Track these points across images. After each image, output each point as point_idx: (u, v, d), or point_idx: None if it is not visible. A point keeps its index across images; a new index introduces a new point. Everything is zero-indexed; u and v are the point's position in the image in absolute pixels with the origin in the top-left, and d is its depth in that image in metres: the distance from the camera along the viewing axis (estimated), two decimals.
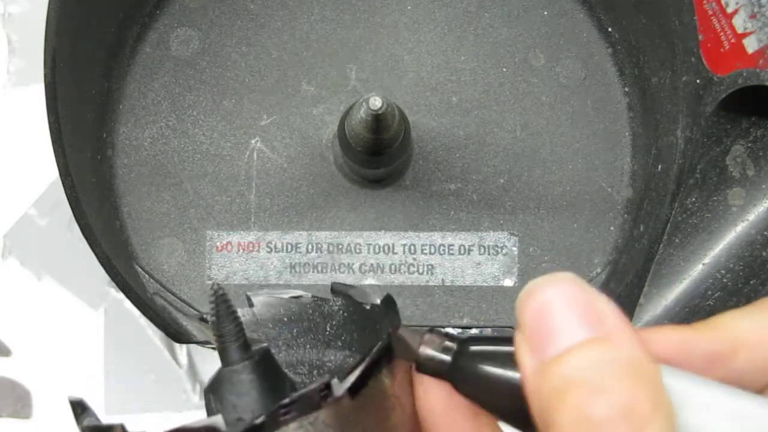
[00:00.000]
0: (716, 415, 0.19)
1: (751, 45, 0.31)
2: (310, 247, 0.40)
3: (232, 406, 0.23)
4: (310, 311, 0.29)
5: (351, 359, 0.28)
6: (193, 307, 0.39)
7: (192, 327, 0.39)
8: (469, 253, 0.40)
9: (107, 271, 0.36)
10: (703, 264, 0.34)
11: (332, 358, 0.28)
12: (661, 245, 0.34)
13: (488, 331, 0.40)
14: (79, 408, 0.22)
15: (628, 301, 0.35)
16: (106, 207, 0.40)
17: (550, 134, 0.41)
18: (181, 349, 0.51)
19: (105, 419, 0.22)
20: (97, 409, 0.51)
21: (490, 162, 0.40)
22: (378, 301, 0.27)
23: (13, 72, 0.53)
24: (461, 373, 0.22)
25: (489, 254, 0.40)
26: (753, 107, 0.33)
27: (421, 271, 0.40)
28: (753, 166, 0.34)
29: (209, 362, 0.51)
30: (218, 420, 0.20)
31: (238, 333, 0.24)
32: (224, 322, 0.24)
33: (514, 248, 0.40)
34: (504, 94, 0.41)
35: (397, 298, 0.40)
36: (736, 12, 0.32)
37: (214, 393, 0.24)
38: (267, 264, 0.40)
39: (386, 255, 0.40)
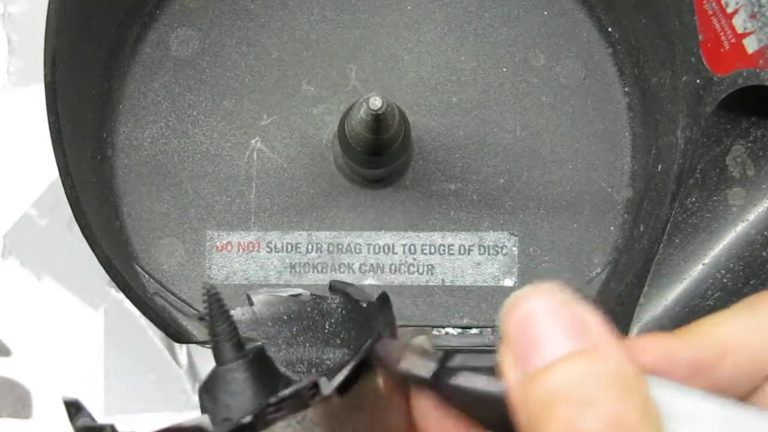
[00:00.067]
0: (702, 424, 0.19)
1: (751, 45, 0.31)
2: (310, 247, 0.40)
3: (225, 406, 0.23)
4: (309, 309, 0.29)
5: (348, 357, 0.28)
6: (193, 307, 0.39)
7: (192, 327, 0.39)
8: (469, 253, 0.40)
9: (107, 271, 0.36)
10: (703, 264, 0.34)
11: (331, 355, 0.28)
12: (661, 245, 0.34)
13: (488, 331, 0.40)
14: (74, 408, 0.22)
15: (628, 301, 0.35)
16: (106, 207, 0.40)
17: (550, 134, 0.41)
18: (181, 349, 0.51)
19: (105, 419, 0.22)
20: (97, 409, 0.51)
21: (490, 162, 0.40)
22: (374, 299, 0.26)
23: (13, 72, 0.53)
24: (443, 388, 0.22)
25: (489, 254, 0.40)
26: (753, 107, 0.33)
27: (421, 271, 0.40)
28: (753, 166, 0.34)
29: (209, 362, 0.51)
30: (205, 420, 0.20)
31: (232, 332, 0.24)
32: (217, 322, 0.24)
33: (514, 248, 0.40)
34: (504, 94, 0.41)
35: (397, 298, 0.40)
36: (736, 12, 0.32)
37: (208, 392, 0.24)
38: (267, 264, 0.40)
39: (386, 255, 0.40)
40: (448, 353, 0.22)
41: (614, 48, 0.41)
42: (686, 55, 0.34)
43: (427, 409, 0.23)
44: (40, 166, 0.51)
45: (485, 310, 0.40)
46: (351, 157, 0.38)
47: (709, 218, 0.34)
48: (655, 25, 0.37)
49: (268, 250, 0.40)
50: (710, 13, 0.33)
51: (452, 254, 0.40)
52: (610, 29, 0.41)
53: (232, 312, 0.25)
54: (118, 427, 0.21)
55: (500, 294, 0.40)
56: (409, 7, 0.41)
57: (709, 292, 0.34)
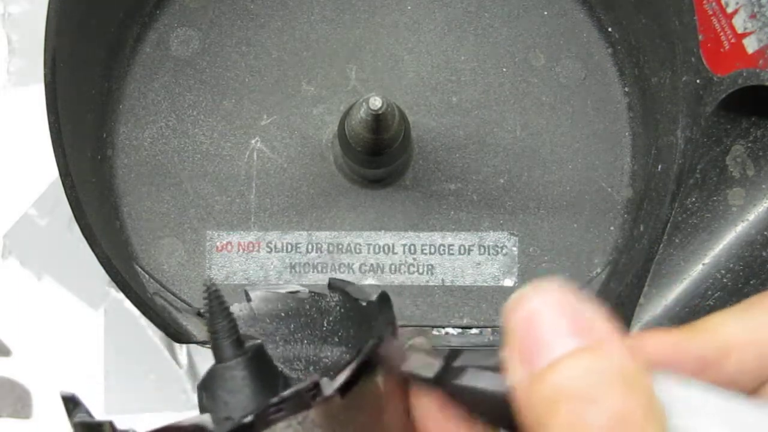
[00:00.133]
0: (707, 418, 0.19)
1: (751, 45, 0.31)
2: (310, 247, 0.40)
3: (223, 403, 0.23)
4: (308, 307, 0.29)
5: (347, 355, 0.27)
6: (192, 307, 0.39)
7: (191, 324, 0.39)
8: (469, 253, 0.40)
9: (107, 271, 0.36)
10: (703, 264, 0.34)
11: (329, 353, 0.28)
12: (661, 245, 0.34)
13: (488, 331, 0.40)
14: (71, 404, 0.22)
15: (628, 301, 0.35)
16: (106, 207, 0.40)
17: (550, 134, 0.41)
18: (181, 349, 0.51)
19: (99, 417, 0.22)
20: (97, 409, 0.51)
21: (490, 162, 0.40)
22: (374, 298, 0.26)
23: (13, 72, 0.53)
24: (447, 388, 0.22)
25: (489, 254, 0.40)
26: (753, 107, 0.33)
27: (421, 271, 0.40)
28: (753, 166, 0.34)
29: (209, 362, 0.51)
30: (206, 418, 0.20)
31: (231, 329, 0.24)
32: (217, 319, 0.24)
33: (514, 248, 0.40)
34: (504, 94, 0.41)
35: (397, 298, 0.40)
36: (736, 12, 0.32)
37: (207, 390, 0.24)
38: (267, 264, 0.40)
39: (386, 255, 0.40)
40: (452, 352, 0.22)
41: (614, 48, 0.41)
42: (686, 55, 0.34)
43: (427, 409, 0.23)
44: (40, 166, 0.51)
45: (485, 310, 0.40)
46: (351, 157, 0.38)
47: (709, 218, 0.34)
48: (655, 25, 0.37)
49: (268, 250, 0.40)
50: (710, 13, 0.33)
51: (452, 254, 0.40)
52: (610, 29, 0.41)
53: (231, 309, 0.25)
54: (117, 426, 0.21)
55: (500, 294, 0.40)
56: (409, 7, 0.41)
57: (709, 292, 0.34)
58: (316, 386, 0.20)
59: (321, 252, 0.40)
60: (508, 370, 0.20)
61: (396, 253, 0.40)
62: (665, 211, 0.35)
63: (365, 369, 0.22)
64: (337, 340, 0.28)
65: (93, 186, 0.39)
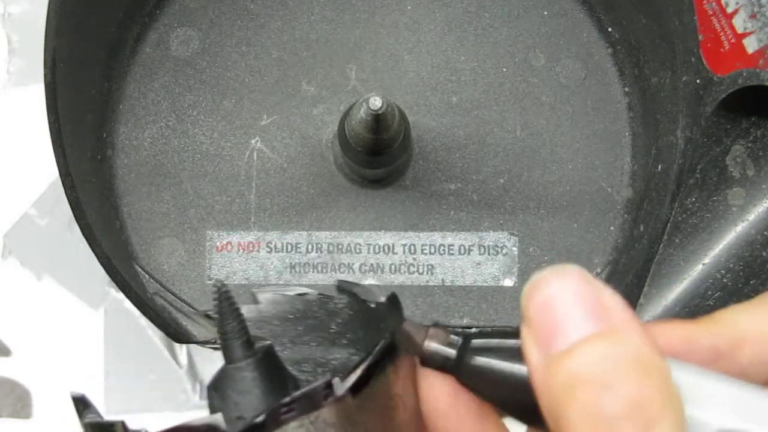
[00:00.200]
0: (720, 407, 0.19)
1: (751, 45, 0.31)
2: (310, 247, 0.40)
3: (234, 404, 0.23)
4: (316, 308, 0.29)
5: (355, 357, 0.28)
6: (193, 307, 0.39)
7: (195, 325, 0.39)
8: (469, 253, 0.40)
9: (107, 271, 0.36)
10: (703, 264, 0.34)
11: (337, 355, 0.28)
12: (661, 245, 0.34)
13: (488, 331, 0.40)
14: (81, 404, 0.22)
15: (628, 301, 0.35)
16: (106, 207, 0.40)
17: (550, 134, 0.41)
18: (181, 349, 0.51)
19: (116, 419, 0.22)
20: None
21: (490, 162, 0.40)
22: (382, 299, 0.27)
23: (13, 72, 0.53)
24: (466, 368, 0.22)
25: (489, 254, 0.40)
26: (753, 107, 0.33)
27: (421, 271, 0.40)
28: (753, 166, 0.34)
29: (209, 362, 0.51)
30: (218, 418, 0.20)
31: (241, 330, 0.24)
32: (227, 320, 0.24)
33: (514, 248, 0.40)
34: (504, 94, 0.41)
35: None
36: (736, 12, 0.32)
37: (217, 390, 0.24)
38: (267, 264, 0.40)
39: (386, 255, 0.40)
40: (469, 335, 0.22)
41: (614, 48, 0.41)
42: (686, 55, 0.34)
43: (437, 404, 0.23)
44: (40, 166, 0.51)
45: (485, 310, 0.40)
46: (351, 157, 0.38)
47: (709, 218, 0.34)
48: (655, 25, 0.37)
49: (268, 250, 0.40)
50: (710, 13, 0.33)
51: (452, 254, 0.40)
52: (610, 29, 0.41)
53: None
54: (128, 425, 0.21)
55: (500, 294, 0.40)
56: (409, 7, 0.41)
57: (709, 292, 0.34)
58: (328, 386, 0.21)
59: (321, 252, 0.40)
60: (526, 354, 0.20)
61: (396, 253, 0.40)
62: (665, 211, 0.35)
63: (377, 369, 0.22)
64: (345, 341, 0.28)
65: (93, 186, 0.39)
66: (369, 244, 0.40)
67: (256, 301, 0.30)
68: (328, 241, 0.40)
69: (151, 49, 0.41)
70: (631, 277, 0.36)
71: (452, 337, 0.23)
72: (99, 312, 0.51)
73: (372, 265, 0.40)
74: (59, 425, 0.50)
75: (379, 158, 0.37)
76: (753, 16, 0.31)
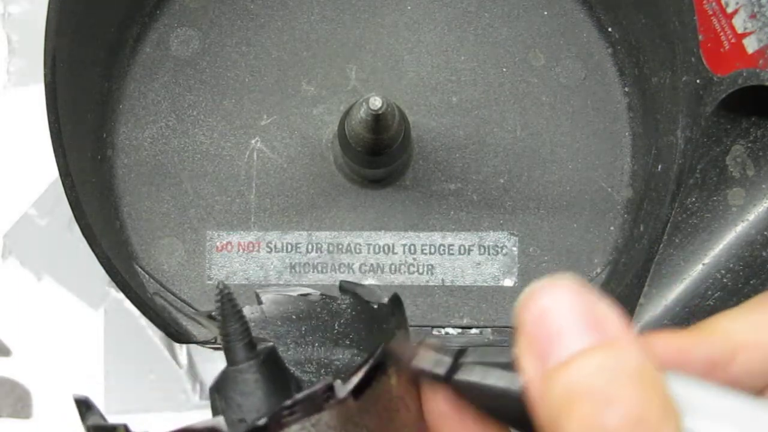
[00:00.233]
0: (717, 419, 0.19)
1: (751, 45, 0.31)
2: (310, 247, 0.40)
3: (236, 406, 0.23)
4: (319, 309, 0.29)
5: (358, 358, 0.27)
6: (193, 307, 0.39)
7: (195, 325, 0.39)
8: (469, 253, 0.40)
9: (107, 271, 0.36)
10: (703, 264, 0.34)
11: (340, 356, 0.28)
12: (661, 245, 0.34)
13: (488, 331, 0.40)
14: (84, 407, 0.22)
15: (628, 301, 0.35)
16: (106, 207, 0.40)
17: (550, 134, 0.41)
18: (181, 349, 0.51)
19: (119, 423, 0.22)
20: None
21: (490, 162, 0.40)
22: (385, 300, 0.26)
23: (13, 72, 0.53)
24: (458, 385, 0.22)
25: (489, 254, 0.40)
26: (753, 107, 0.33)
27: (421, 271, 0.40)
28: (753, 166, 0.34)
29: (209, 362, 0.51)
30: (220, 421, 0.20)
31: (244, 332, 0.24)
32: (230, 321, 0.24)
33: (514, 248, 0.40)
34: (504, 94, 0.41)
35: None
36: (736, 12, 0.32)
37: (219, 392, 0.24)
38: (267, 264, 0.40)
39: (386, 255, 0.40)
40: (462, 349, 0.22)
41: (614, 48, 0.41)
42: (686, 55, 0.34)
43: (440, 409, 0.23)
44: (40, 166, 0.51)
45: (485, 310, 0.40)
46: (351, 157, 0.38)
47: (709, 218, 0.34)
48: (655, 25, 0.37)
49: (268, 250, 0.40)
50: (710, 13, 0.33)
51: (452, 254, 0.40)
52: (610, 29, 0.41)
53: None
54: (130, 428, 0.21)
55: (500, 294, 0.40)
56: (409, 7, 0.41)
57: (709, 292, 0.34)
58: (330, 389, 0.20)
59: (321, 252, 0.40)
60: (522, 367, 0.20)
61: (396, 253, 0.40)
62: (665, 211, 0.35)
63: (378, 371, 0.22)
64: (348, 342, 0.28)
65: (93, 186, 0.39)
66: (369, 244, 0.40)
67: (259, 302, 0.30)
68: (328, 241, 0.40)
69: (151, 49, 0.41)
70: (631, 277, 0.36)
71: (441, 357, 0.22)
72: (99, 312, 0.51)
73: (372, 265, 0.40)
74: (59, 425, 0.50)
75: (379, 158, 0.37)
76: (753, 16, 0.31)
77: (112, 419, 0.22)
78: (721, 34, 0.32)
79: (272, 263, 0.40)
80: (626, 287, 0.37)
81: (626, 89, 0.41)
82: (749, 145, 0.34)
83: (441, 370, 0.22)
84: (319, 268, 0.40)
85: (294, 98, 0.41)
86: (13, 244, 0.51)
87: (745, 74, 0.31)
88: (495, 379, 0.21)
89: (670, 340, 0.21)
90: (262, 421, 0.20)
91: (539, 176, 0.40)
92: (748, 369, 0.21)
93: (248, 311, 0.29)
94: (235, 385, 0.23)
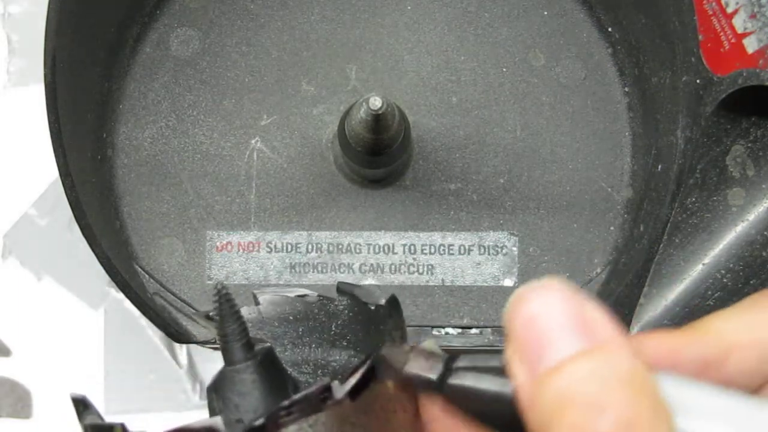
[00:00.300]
0: (711, 418, 0.19)
1: (751, 45, 0.31)
2: (310, 247, 0.40)
3: (234, 406, 0.23)
4: (316, 310, 0.29)
5: (355, 359, 0.28)
6: (193, 307, 0.39)
7: (195, 325, 0.39)
8: (469, 253, 0.40)
9: (107, 271, 0.36)
10: (703, 264, 0.34)
11: (337, 357, 0.28)
12: (661, 245, 0.34)
13: (488, 331, 0.40)
14: (82, 406, 0.22)
15: (628, 301, 0.35)
16: (106, 207, 0.40)
17: (550, 134, 0.41)
18: (181, 349, 0.51)
19: (104, 419, 0.22)
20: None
21: (490, 162, 0.40)
22: (382, 301, 0.26)
23: (13, 72, 0.53)
24: (449, 390, 0.22)
25: (489, 254, 0.40)
26: (753, 107, 0.33)
27: (421, 271, 0.40)
28: (753, 166, 0.34)
29: (209, 362, 0.51)
30: (218, 421, 0.20)
31: (242, 333, 0.24)
32: (227, 322, 0.24)
33: (514, 248, 0.40)
34: (504, 94, 0.41)
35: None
36: (736, 12, 0.32)
37: (217, 392, 0.24)
38: (267, 264, 0.40)
39: (386, 255, 0.40)
40: (454, 355, 0.22)
41: (614, 48, 0.41)
42: (686, 55, 0.34)
43: (435, 412, 0.23)
44: (40, 166, 0.51)
45: (485, 310, 0.40)
46: (351, 157, 0.38)
47: (709, 218, 0.34)
48: (655, 25, 0.37)
49: (268, 250, 0.40)
50: (710, 13, 0.33)
51: (452, 254, 0.40)
52: (610, 29, 0.41)
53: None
54: (128, 428, 0.21)
55: (500, 294, 0.40)
56: (409, 7, 0.41)
57: (709, 292, 0.34)
58: (327, 389, 0.20)
59: (321, 252, 0.40)
60: (512, 372, 0.19)
61: (396, 253, 0.40)
62: (665, 211, 0.35)
63: (375, 373, 0.22)
64: (345, 343, 0.28)
65: (93, 186, 0.39)
66: (369, 244, 0.40)
67: (256, 303, 0.30)
68: (328, 241, 0.40)
69: (151, 49, 0.41)
70: (631, 277, 0.36)
71: (432, 362, 0.22)
72: (99, 312, 0.51)
73: (372, 265, 0.40)
74: (59, 425, 0.50)
75: (379, 158, 0.37)
76: (753, 16, 0.31)
77: (112, 419, 0.22)
78: (721, 34, 0.32)
79: (272, 263, 0.40)
80: (626, 287, 0.37)
81: (626, 89, 0.41)
82: (749, 145, 0.34)
83: (433, 375, 0.22)
84: (319, 268, 0.40)
85: (294, 98, 0.41)
86: (13, 244, 0.51)
87: (745, 74, 0.31)
88: (487, 383, 0.21)
89: (662, 341, 0.21)
90: (259, 422, 0.20)
91: (539, 176, 0.40)
92: (742, 368, 0.21)
93: (246, 312, 0.29)
94: (233, 385, 0.23)
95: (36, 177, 0.51)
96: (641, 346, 0.21)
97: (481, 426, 0.22)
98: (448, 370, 0.22)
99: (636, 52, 0.40)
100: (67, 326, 0.51)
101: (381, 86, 0.41)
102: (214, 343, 0.38)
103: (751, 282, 0.34)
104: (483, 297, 0.40)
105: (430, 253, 0.40)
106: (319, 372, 0.28)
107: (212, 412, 0.24)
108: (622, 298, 0.36)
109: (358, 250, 0.40)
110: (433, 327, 0.40)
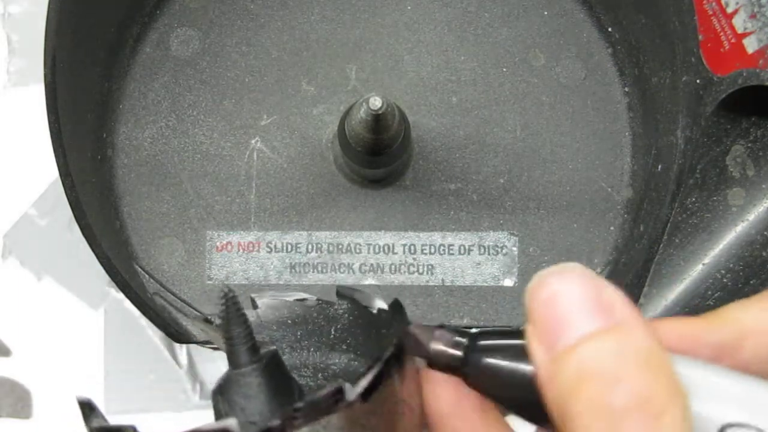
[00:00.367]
0: (727, 400, 0.19)
1: (751, 45, 0.31)
2: (310, 247, 0.40)
3: (240, 409, 0.23)
4: (315, 314, 0.29)
5: (356, 363, 0.28)
6: (193, 307, 0.39)
7: (194, 327, 0.39)
8: (469, 253, 0.40)
9: (107, 271, 0.36)
10: (703, 264, 0.34)
11: (336, 360, 0.28)
12: (661, 245, 0.34)
13: None
14: (88, 408, 0.22)
15: None
16: (106, 207, 0.40)
17: (550, 134, 0.41)
18: (181, 349, 0.51)
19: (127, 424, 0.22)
20: None
21: (490, 162, 0.40)
22: (381, 303, 0.27)
23: (13, 72, 0.53)
24: (473, 368, 0.22)
25: (489, 254, 0.40)
26: (753, 107, 0.33)
27: (421, 271, 0.40)
28: (753, 166, 0.34)
29: (209, 362, 0.51)
30: (232, 423, 0.20)
31: (248, 336, 0.24)
32: (234, 325, 0.24)
33: (514, 248, 0.40)
34: (504, 94, 0.41)
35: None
36: (736, 12, 0.32)
37: (223, 395, 0.24)
38: (267, 264, 0.40)
39: (386, 255, 0.40)
40: (475, 335, 0.22)
41: (614, 48, 0.41)
42: (686, 55, 0.34)
43: (441, 407, 0.23)
44: (40, 166, 0.51)
45: (485, 310, 0.40)
46: (351, 157, 0.38)
47: (709, 218, 0.34)
48: (655, 25, 0.37)
49: (268, 250, 0.40)
50: (710, 13, 0.33)
51: (452, 254, 0.40)
52: (610, 29, 0.41)
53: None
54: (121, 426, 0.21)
55: (500, 294, 0.40)
56: (409, 7, 0.41)
57: (709, 292, 0.34)
58: (339, 391, 0.21)
59: (321, 252, 0.40)
60: (531, 351, 0.20)
61: (396, 253, 0.40)
62: (665, 211, 0.35)
63: (386, 374, 0.22)
64: (344, 347, 0.28)
65: (93, 186, 0.39)
66: (369, 244, 0.40)
67: (255, 306, 0.30)
68: (328, 241, 0.40)
69: (151, 49, 0.41)
70: (631, 277, 0.36)
71: (457, 338, 0.23)
72: (99, 312, 0.51)
73: (372, 265, 0.40)
74: (59, 425, 0.50)
75: (379, 158, 0.37)
76: (753, 16, 0.31)
77: (112, 419, 0.22)
78: (721, 34, 0.32)
79: (272, 263, 0.40)
80: (626, 287, 0.37)
81: (626, 89, 0.41)
82: (749, 145, 0.34)
83: (457, 353, 0.22)
84: (319, 268, 0.40)
85: (294, 98, 0.41)
86: (13, 244, 0.51)
87: (745, 74, 0.31)
88: (508, 363, 0.21)
89: (679, 326, 0.22)
90: (275, 423, 0.20)
91: (539, 176, 0.40)
92: (757, 354, 0.21)
93: (249, 315, 0.29)
94: (239, 388, 0.24)
95: (36, 177, 0.51)
96: (658, 330, 0.21)
97: (491, 415, 0.23)
98: (471, 348, 0.22)
99: (636, 52, 0.40)
100: (67, 326, 0.51)
101: (381, 86, 0.41)
102: (214, 343, 0.38)
103: (751, 282, 0.34)
104: (483, 297, 0.40)
105: (430, 253, 0.40)
106: (319, 375, 0.28)
107: (218, 415, 0.24)
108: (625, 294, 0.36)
109: (358, 250, 0.40)
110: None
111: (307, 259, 0.40)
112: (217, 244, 0.40)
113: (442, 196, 0.40)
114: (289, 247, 0.40)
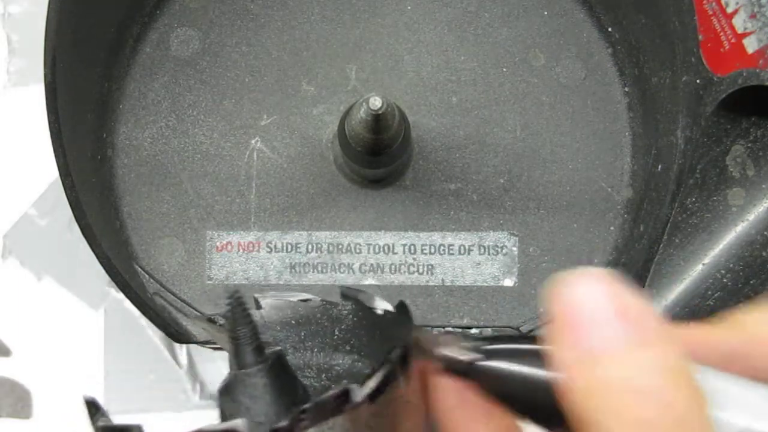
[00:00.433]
0: (746, 411, 0.19)
1: (751, 45, 0.31)
2: (310, 247, 0.40)
3: (245, 409, 0.23)
4: (318, 314, 0.29)
5: (360, 364, 0.28)
6: (193, 307, 0.39)
7: (195, 327, 0.39)
8: (469, 253, 0.40)
9: (107, 271, 0.36)
10: (703, 264, 0.34)
11: (340, 361, 0.28)
12: (661, 245, 0.34)
13: (488, 331, 0.40)
14: (94, 407, 0.22)
15: None
16: (106, 207, 0.40)
17: (550, 134, 0.41)
18: (181, 349, 0.51)
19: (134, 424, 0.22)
20: None
21: (490, 162, 0.40)
22: (384, 304, 0.27)
23: (13, 72, 0.53)
24: (481, 373, 0.22)
25: (489, 254, 0.40)
26: (753, 107, 0.33)
27: (421, 271, 0.40)
28: (753, 166, 0.34)
29: (209, 362, 0.51)
30: (240, 423, 0.20)
31: (253, 336, 0.24)
32: (240, 325, 0.24)
33: (514, 248, 0.40)
34: (504, 94, 0.41)
35: (397, 299, 0.40)
36: (736, 12, 0.32)
37: (227, 395, 0.24)
38: (267, 264, 0.40)
39: (386, 255, 0.40)
40: (487, 339, 0.22)
41: (614, 48, 0.41)
42: (686, 55, 0.34)
43: (447, 409, 0.23)
44: (40, 166, 0.51)
45: (485, 310, 0.40)
46: (351, 157, 0.38)
47: (709, 218, 0.34)
48: (655, 25, 0.37)
49: (268, 250, 0.40)
50: (710, 13, 0.33)
51: (452, 254, 0.40)
52: (610, 29, 0.41)
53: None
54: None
55: (500, 294, 0.40)
56: (409, 7, 0.41)
57: (709, 292, 0.34)
58: (346, 393, 0.21)
59: (321, 252, 0.40)
60: (554, 355, 0.20)
61: (396, 253, 0.40)
62: (665, 211, 0.35)
63: (393, 376, 0.22)
64: (348, 348, 0.28)
65: (93, 186, 0.39)
66: (369, 244, 0.40)
67: (258, 307, 0.30)
68: (328, 241, 0.40)
69: (151, 49, 0.41)
70: (631, 277, 0.36)
71: (464, 344, 0.23)
72: (99, 312, 0.51)
73: (372, 265, 0.40)
74: (59, 425, 0.50)
75: (379, 158, 0.37)
76: (753, 16, 0.31)
77: (112, 419, 0.22)
78: (721, 34, 0.32)
79: (272, 263, 0.40)
80: None
81: (626, 89, 0.41)
82: (749, 145, 0.34)
83: (466, 358, 0.22)
84: (319, 268, 0.40)
85: (294, 98, 0.41)
86: (13, 244, 0.51)
87: (745, 74, 0.31)
88: (522, 368, 0.21)
89: (690, 333, 0.21)
90: (282, 424, 0.20)
91: (539, 176, 0.40)
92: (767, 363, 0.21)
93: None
94: (244, 388, 0.24)
95: (36, 177, 0.51)
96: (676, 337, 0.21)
97: (497, 416, 0.23)
98: (482, 351, 0.22)
99: (636, 52, 0.40)
100: (67, 326, 0.51)
101: (381, 86, 0.41)
102: (214, 343, 0.38)
103: (751, 282, 0.34)
104: (483, 297, 0.40)
105: (430, 253, 0.40)
106: (323, 376, 0.28)
107: (223, 416, 0.24)
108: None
109: (358, 250, 0.40)
110: (433, 327, 0.40)
111: (307, 259, 0.40)
112: (217, 244, 0.40)
113: (442, 196, 0.40)
114: (289, 247, 0.40)
